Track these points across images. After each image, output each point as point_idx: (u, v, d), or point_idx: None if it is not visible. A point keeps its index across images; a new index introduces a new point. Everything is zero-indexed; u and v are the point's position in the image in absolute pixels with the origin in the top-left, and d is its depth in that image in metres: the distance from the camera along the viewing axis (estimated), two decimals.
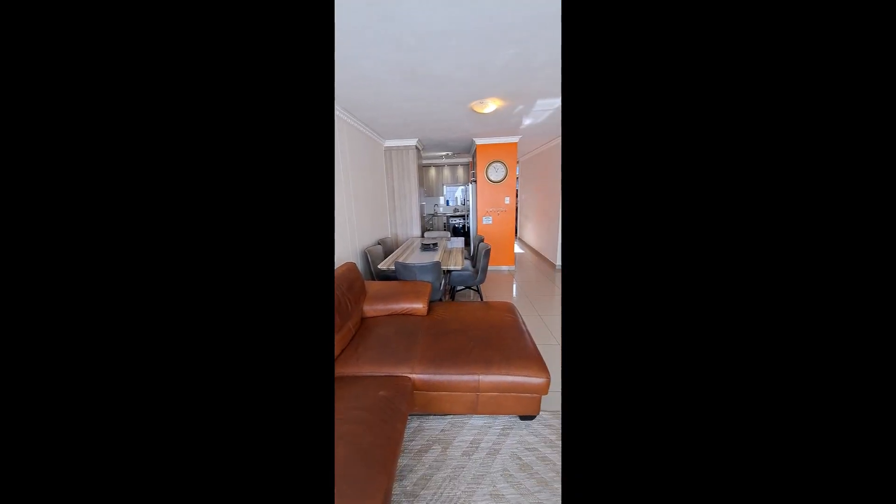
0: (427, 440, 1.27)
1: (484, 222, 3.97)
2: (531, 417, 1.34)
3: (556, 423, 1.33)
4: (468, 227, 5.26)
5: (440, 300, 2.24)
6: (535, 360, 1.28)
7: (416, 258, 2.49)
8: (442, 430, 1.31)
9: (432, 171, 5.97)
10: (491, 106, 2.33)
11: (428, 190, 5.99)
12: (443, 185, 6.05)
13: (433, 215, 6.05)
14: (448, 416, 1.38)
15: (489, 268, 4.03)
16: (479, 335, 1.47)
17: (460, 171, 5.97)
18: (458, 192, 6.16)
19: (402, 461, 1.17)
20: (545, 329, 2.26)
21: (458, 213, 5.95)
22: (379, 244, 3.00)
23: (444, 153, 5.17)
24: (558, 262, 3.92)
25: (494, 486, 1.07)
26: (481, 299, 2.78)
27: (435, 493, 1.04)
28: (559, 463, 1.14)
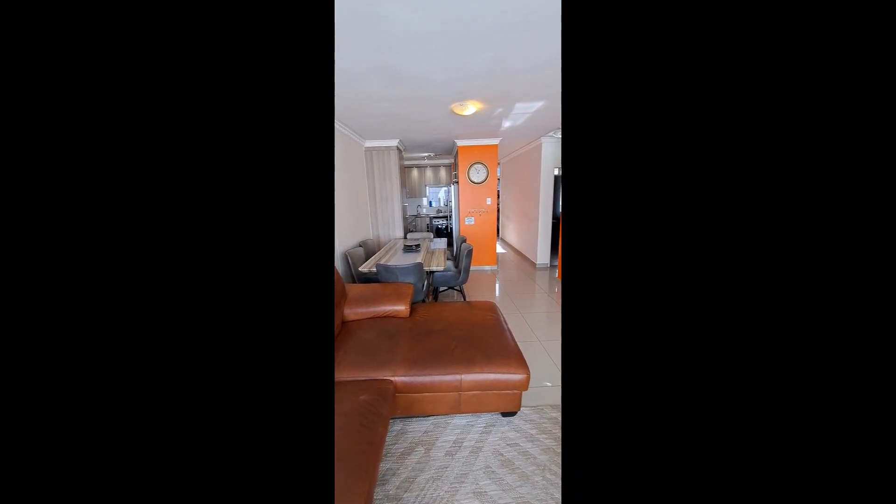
0: (410, 442, 1.26)
1: (466, 223, 4.01)
2: (512, 413, 1.37)
3: (537, 417, 1.37)
4: (451, 228, 5.28)
5: (423, 301, 2.24)
6: (515, 357, 1.31)
7: (399, 260, 2.47)
8: (425, 432, 1.31)
9: (415, 172, 5.95)
10: (471, 108, 2.36)
11: (411, 191, 5.96)
12: (426, 185, 6.04)
13: (416, 216, 6.02)
14: (431, 417, 1.38)
15: (472, 268, 4.07)
16: (461, 335, 1.49)
17: (443, 173, 5.99)
18: (441, 193, 6.18)
19: (385, 465, 1.16)
20: (526, 326, 2.32)
21: (441, 214, 5.96)
22: (360, 246, 2.94)
23: (426, 154, 5.17)
24: (538, 261, 4.03)
25: (477, 483, 1.08)
26: (464, 299, 2.80)
27: (418, 496, 1.04)
28: (539, 457, 1.17)
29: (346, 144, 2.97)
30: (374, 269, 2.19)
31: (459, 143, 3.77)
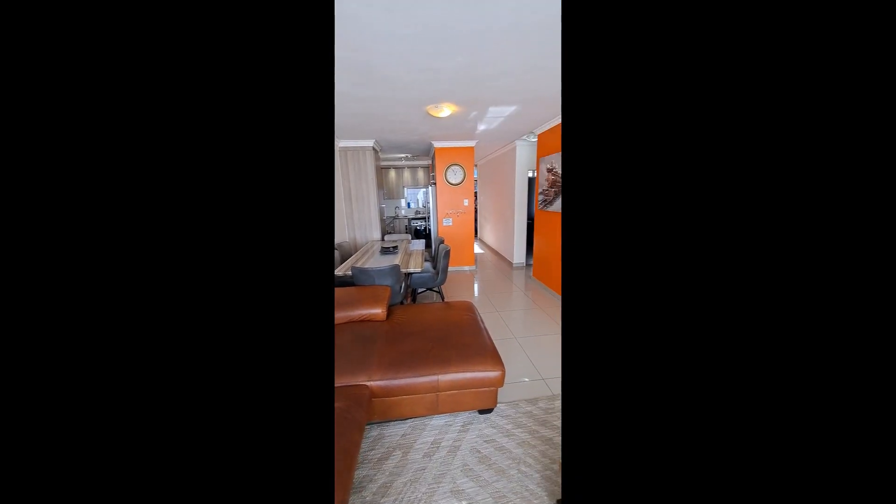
0: (387, 447, 1.25)
1: (444, 224, 4.03)
2: (489, 410, 1.40)
3: (513, 412, 1.40)
4: (429, 230, 5.28)
5: (401, 303, 2.22)
6: (490, 355, 1.34)
7: (375, 262, 2.43)
8: (403, 435, 1.30)
9: (392, 174, 5.88)
10: (446, 111, 2.39)
11: (389, 192, 5.88)
12: (404, 187, 5.99)
13: (395, 218, 5.95)
14: (409, 420, 1.37)
15: (451, 269, 4.10)
16: (438, 335, 1.49)
17: (421, 174, 5.98)
18: (420, 195, 6.16)
19: (362, 472, 1.13)
20: (502, 324, 2.37)
21: (419, 216, 5.94)
22: (335, 249, 2.86)
23: (403, 155, 5.13)
24: (515, 261, 4.14)
25: (455, 482, 1.09)
26: (442, 300, 2.81)
27: (396, 500, 1.03)
28: (515, 451, 1.21)
29: None
30: (350, 273, 2.14)
31: (436, 144, 3.79)
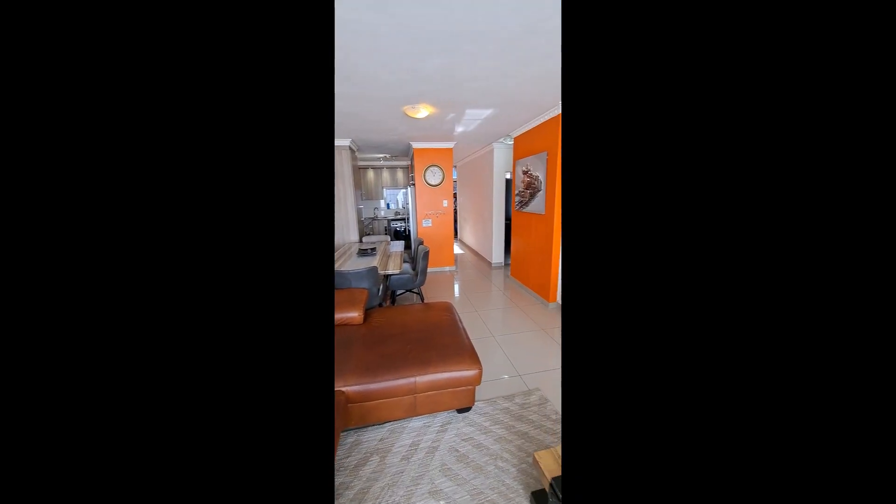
0: (364, 453, 1.22)
1: (424, 225, 4.02)
2: (467, 409, 1.41)
3: (490, 409, 1.43)
4: (409, 231, 5.25)
5: (380, 306, 2.18)
6: (468, 354, 1.36)
7: (353, 264, 2.37)
8: (380, 440, 1.28)
9: (370, 174, 5.77)
10: (423, 111, 2.39)
11: (367, 193, 5.76)
12: (382, 187, 5.90)
13: (373, 219, 5.84)
14: (387, 424, 1.35)
15: (431, 269, 4.09)
16: (416, 337, 1.49)
17: (400, 174, 5.92)
18: (400, 196, 6.09)
19: (338, 479, 1.10)
20: (481, 323, 2.41)
21: (399, 217, 5.87)
22: None
23: (381, 155, 5.06)
24: (494, 260, 4.22)
25: (433, 482, 1.09)
26: (422, 301, 2.80)
27: None
28: (492, 447, 1.23)
29: None
30: None
31: (415, 145, 3.77)
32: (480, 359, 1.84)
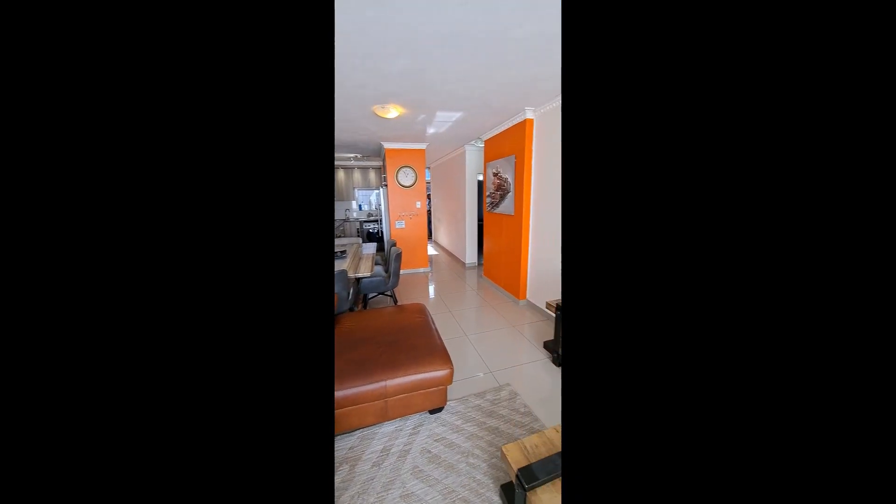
0: (335, 463, 1.18)
1: (397, 226, 3.98)
2: (440, 409, 1.42)
3: (462, 408, 1.45)
4: (382, 233, 5.15)
5: (350, 310, 2.12)
6: (439, 354, 1.37)
7: None
8: (350, 448, 1.24)
9: (341, 174, 5.58)
10: (393, 112, 2.36)
11: (337, 193, 5.56)
12: (354, 188, 5.74)
13: (345, 220, 5.65)
14: (357, 431, 1.32)
15: (406, 271, 4.05)
16: (388, 340, 1.47)
17: (372, 175, 5.79)
18: (373, 197, 5.96)
19: None
20: (454, 323, 2.44)
21: (372, 218, 5.74)
22: None
23: (353, 155, 4.91)
24: (467, 261, 4.28)
25: (404, 486, 1.08)
26: (395, 303, 2.77)
27: None
28: (464, 444, 1.25)
29: None
30: None
31: (386, 145, 3.72)
32: (454, 358, 1.87)
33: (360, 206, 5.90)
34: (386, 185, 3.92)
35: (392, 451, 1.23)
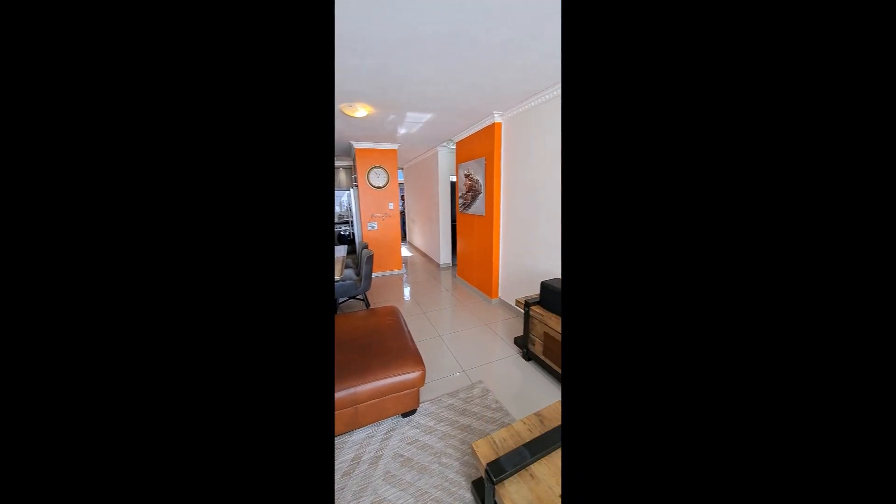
0: None
1: (369, 228, 3.89)
2: (413, 412, 1.41)
3: (435, 408, 1.45)
4: (353, 235, 5.00)
5: None
6: (411, 356, 1.36)
7: None
8: None
9: None
10: (361, 111, 2.31)
11: None
12: None
13: None
14: None
15: (378, 274, 3.97)
16: (358, 345, 1.43)
17: (342, 175, 5.60)
18: (344, 198, 5.76)
19: None
20: (429, 325, 2.44)
21: (342, 220, 5.55)
22: None
23: None
24: (441, 261, 4.30)
25: (376, 492, 1.06)
26: (367, 307, 2.70)
27: None
28: (436, 445, 1.25)
29: None
30: None
31: (356, 145, 3.62)
32: (428, 359, 1.87)
33: None
34: (357, 186, 3.82)
35: (364, 458, 1.20)
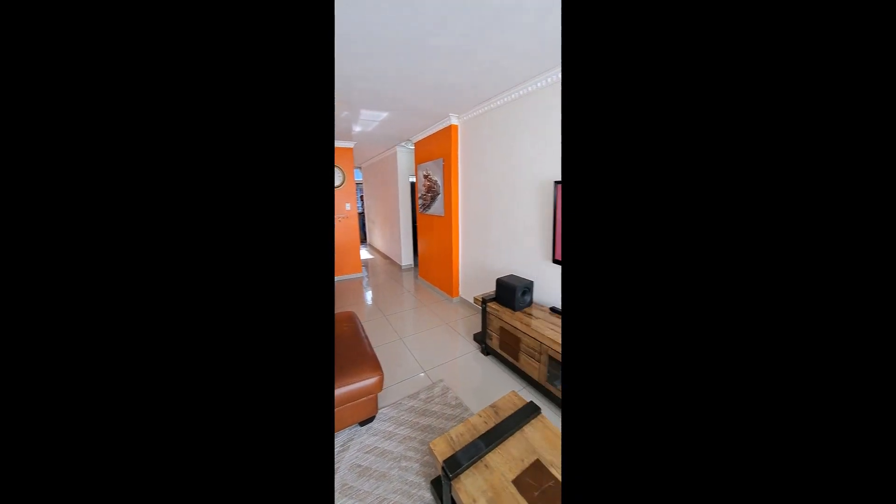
0: None
1: None
2: (371, 419, 1.37)
3: (395, 413, 1.43)
4: None
5: None
6: (368, 362, 1.32)
7: None
8: None
9: None
10: None
11: None
12: None
13: None
14: None
15: (338, 278, 3.77)
16: None
17: None
18: None
19: None
20: (389, 327, 2.39)
21: None
22: None
23: None
24: (403, 263, 4.25)
25: None
26: None
27: None
28: (395, 450, 1.23)
29: None
30: None
31: None
32: (388, 363, 1.83)
33: None
34: None
35: None
